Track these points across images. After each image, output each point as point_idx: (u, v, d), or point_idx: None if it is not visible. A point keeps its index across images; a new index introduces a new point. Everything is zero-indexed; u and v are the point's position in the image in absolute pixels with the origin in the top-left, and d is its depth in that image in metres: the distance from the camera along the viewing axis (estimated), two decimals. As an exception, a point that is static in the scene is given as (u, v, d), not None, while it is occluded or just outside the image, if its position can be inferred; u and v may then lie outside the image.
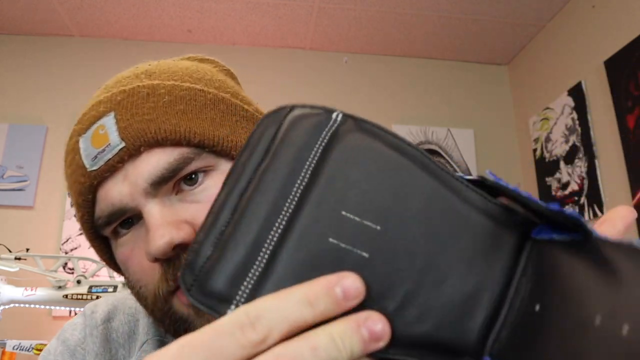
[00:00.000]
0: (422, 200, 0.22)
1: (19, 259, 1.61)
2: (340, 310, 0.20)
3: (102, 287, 1.55)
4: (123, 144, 0.37)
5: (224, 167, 0.39)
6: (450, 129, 2.29)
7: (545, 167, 2.07)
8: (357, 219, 0.21)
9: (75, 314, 1.21)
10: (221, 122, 0.40)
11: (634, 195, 1.58)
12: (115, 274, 0.86)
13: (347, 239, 0.21)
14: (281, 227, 0.21)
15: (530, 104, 2.23)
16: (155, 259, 0.36)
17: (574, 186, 1.87)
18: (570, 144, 1.91)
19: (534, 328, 0.19)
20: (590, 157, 1.79)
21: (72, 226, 1.98)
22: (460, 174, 0.24)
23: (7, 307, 1.56)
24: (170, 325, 0.38)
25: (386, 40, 2.25)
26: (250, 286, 0.20)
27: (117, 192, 0.38)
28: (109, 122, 0.38)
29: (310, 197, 0.22)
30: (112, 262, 0.44)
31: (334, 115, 0.24)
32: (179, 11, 2.07)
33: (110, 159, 0.37)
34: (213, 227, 0.22)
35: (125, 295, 0.53)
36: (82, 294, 1.55)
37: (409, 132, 2.25)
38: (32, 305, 1.57)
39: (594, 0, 1.82)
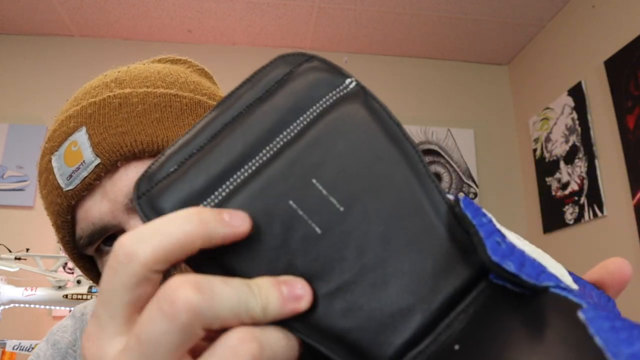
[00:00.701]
0: (395, 199, 0.21)
1: (19, 259, 1.61)
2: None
3: (102, 287, 1.55)
4: (98, 160, 0.36)
5: None
6: (450, 129, 2.29)
7: (545, 167, 2.07)
8: (324, 191, 0.21)
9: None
10: None
11: (634, 195, 1.58)
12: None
13: (307, 208, 0.20)
14: (248, 172, 0.20)
15: (530, 104, 2.23)
16: None
17: (574, 186, 1.87)
18: (570, 144, 1.91)
19: None
20: (590, 157, 1.79)
21: (72, 226, 1.98)
22: (450, 195, 0.22)
23: (7, 307, 1.56)
24: None
25: (386, 40, 2.25)
26: None
27: (97, 211, 0.36)
28: (81, 137, 0.37)
29: (287, 153, 0.21)
30: (99, 280, 0.43)
31: (347, 81, 0.23)
32: (179, 11, 2.07)
33: (86, 176, 0.36)
34: (185, 146, 0.21)
35: None
36: (82, 294, 1.55)
37: (408, 132, 2.24)
38: (32, 305, 1.57)
39: (594, 0, 1.82)
